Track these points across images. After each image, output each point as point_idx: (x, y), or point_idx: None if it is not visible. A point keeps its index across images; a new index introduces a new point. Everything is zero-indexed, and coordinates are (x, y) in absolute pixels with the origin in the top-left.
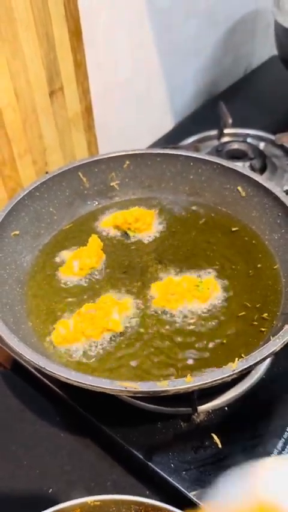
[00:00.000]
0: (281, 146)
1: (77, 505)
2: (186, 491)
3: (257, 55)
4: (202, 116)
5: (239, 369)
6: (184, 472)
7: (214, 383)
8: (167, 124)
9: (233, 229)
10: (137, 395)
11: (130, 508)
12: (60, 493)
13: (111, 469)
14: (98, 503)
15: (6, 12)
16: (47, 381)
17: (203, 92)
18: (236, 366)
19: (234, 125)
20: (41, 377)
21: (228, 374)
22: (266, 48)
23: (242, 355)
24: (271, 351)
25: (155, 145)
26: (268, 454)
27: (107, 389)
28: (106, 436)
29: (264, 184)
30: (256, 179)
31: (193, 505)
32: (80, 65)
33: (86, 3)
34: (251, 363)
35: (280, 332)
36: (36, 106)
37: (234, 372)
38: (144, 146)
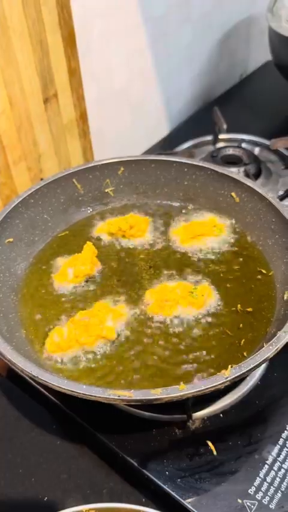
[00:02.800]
0: (276, 152)
1: None
2: (181, 499)
3: (252, 61)
4: (197, 122)
5: (232, 377)
6: (179, 480)
7: (207, 390)
8: (163, 130)
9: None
10: (131, 403)
11: None
12: (56, 501)
13: (107, 476)
14: (93, 511)
15: None
16: (42, 389)
17: (199, 98)
18: (229, 373)
19: (229, 131)
20: (36, 385)
21: (222, 382)
22: (261, 54)
23: (238, 361)
24: (265, 357)
25: (150, 150)
26: (264, 460)
27: (100, 397)
28: (102, 444)
29: (258, 190)
30: (250, 185)
31: None
32: (74, 72)
33: (80, 11)
34: (244, 371)
35: (273, 339)
36: (30, 113)
37: (228, 379)
38: (139, 152)
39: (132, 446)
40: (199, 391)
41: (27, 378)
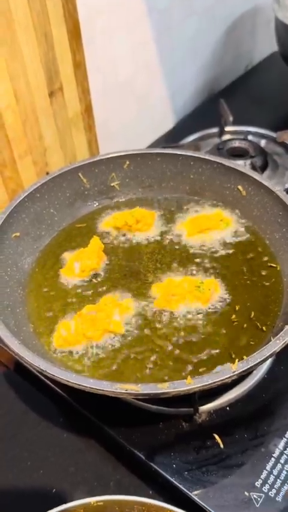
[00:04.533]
0: (283, 144)
1: (80, 505)
2: (188, 492)
3: (258, 52)
4: (203, 114)
5: (239, 371)
6: (186, 472)
7: (214, 384)
8: (168, 123)
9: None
10: (138, 397)
11: (133, 509)
12: (64, 494)
13: (114, 469)
14: (101, 503)
15: (4, 14)
16: (49, 383)
17: (204, 90)
18: (236, 367)
19: (235, 123)
20: (43, 379)
21: (229, 376)
22: (267, 45)
23: (244, 356)
24: (272, 351)
25: (156, 143)
26: (270, 453)
27: (107, 391)
28: (109, 437)
29: (265, 183)
30: (256, 178)
31: (195, 505)
32: (79, 65)
33: (85, 3)
34: (251, 364)
35: (281, 332)
36: (36, 107)
37: (235, 373)
38: (145, 145)
39: (139, 439)
40: (206, 385)
41: (34, 371)
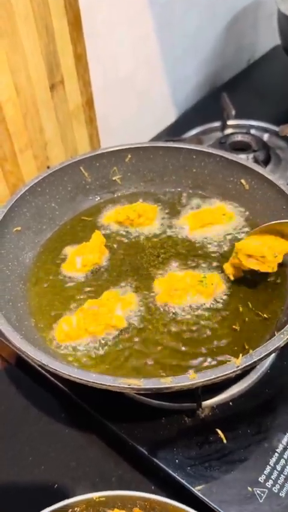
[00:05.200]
0: (285, 138)
1: (83, 501)
2: (191, 487)
3: (261, 45)
4: (205, 108)
5: (243, 366)
6: (189, 468)
7: (218, 379)
8: (170, 117)
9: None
10: (141, 392)
11: (135, 504)
12: (66, 489)
13: (116, 465)
14: (103, 499)
15: (4, 6)
16: (50, 378)
17: (206, 84)
18: (240, 362)
19: (237, 117)
20: (45, 374)
21: (232, 370)
22: (269, 38)
23: (248, 350)
24: (275, 346)
25: (157, 137)
26: (273, 449)
27: (110, 386)
28: (111, 432)
29: (268, 177)
30: (260, 171)
31: (198, 500)
32: (80, 58)
33: None
34: (255, 359)
35: (285, 327)
36: (36, 100)
37: (238, 368)
38: (147, 139)
39: (142, 434)
40: (209, 380)
41: (36, 366)
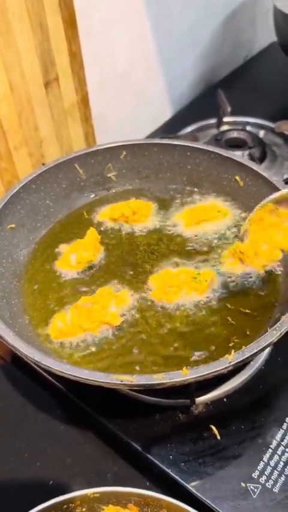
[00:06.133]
0: (281, 134)
1: (77, 497)
2: (184, 483)
3: (258, 42)
4: (201, 105)
5: (235, 361)
6: (183, 464)
7: (210, 375)
8: (166, 114)
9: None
10: (133, 388)
11: (130, 500)
12: (61, 486)
13: (112, 461)
14: (98, 495)
15: None
16: (46, 375)
17: (202, 81)
18: (232, 358)
19: (233, 114)
20: (40, 371)
21: (225, 366)
22: (267, 35)
23: (240, 346)
24: (268, 342)
25: (153, 134)
26: (267, 445)
27: (102, 382)
28: (106, 428)
29: (263, 173)
30: (254, 168)
31: (192, 496)
32: (75, 55)
33: None
34: (247, 355)
35: (278, 323)
36: (31, 98)
37: (231, 364)
38: (143, 136)
39: (136, 430)
40: (202, 376)
41: (32, 364)
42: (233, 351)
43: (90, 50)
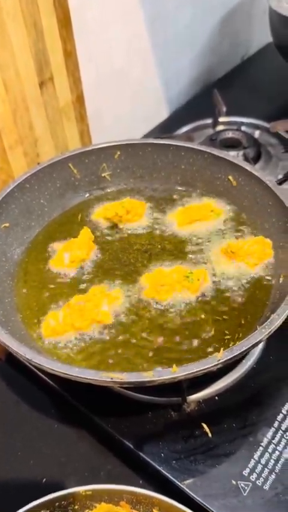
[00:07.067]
0: (276, 134)
1: (69, 494)
2: (176, 481)
3: (255, 42)
4: (197, 105)
5: (225, 359)
6: (174, 462)
7: (200, 372)
8: (162, 113)
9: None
10: (124, 386)
11: (122, 498)
12: (55, 484)
13: (105, 459)
14: (90, 492)
15: None
16: (39, 373)
17: (199, 81)
18: (221, 355)
19: (230, 114)
20: (34, 369)
21: (214, 364)
22: (264, 35)
23: (230, 344)
24: (257, 340)
25: (149, 134)
26: (258, 443)
27: (93, 380)
28: (98, 426)
29: (255, 173)
30: (247, 168)
31: (184, 493)
32: (70, 55)
33: None
34: (236, 353)
35: (267, 321)
36: (26, 97)
37: (220, 361)
38: (138, 135)
39: (128, 428)
40: (192, 373)
41: (25, 362)
42: (222, 349)
43: (85, 50)
